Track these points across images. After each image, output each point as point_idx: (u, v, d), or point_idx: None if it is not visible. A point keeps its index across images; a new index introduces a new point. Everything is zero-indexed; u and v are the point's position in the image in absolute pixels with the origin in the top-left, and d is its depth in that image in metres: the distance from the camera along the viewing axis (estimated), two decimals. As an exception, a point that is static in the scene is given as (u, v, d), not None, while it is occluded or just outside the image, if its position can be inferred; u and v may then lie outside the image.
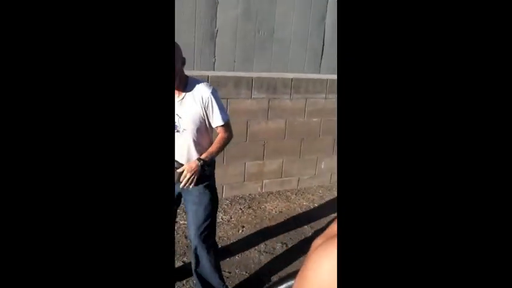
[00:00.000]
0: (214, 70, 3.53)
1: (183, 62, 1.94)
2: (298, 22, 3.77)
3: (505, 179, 0.48)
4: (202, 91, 1.95)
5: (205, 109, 1.97)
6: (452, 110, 0.49)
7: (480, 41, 0.49)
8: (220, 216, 3.44)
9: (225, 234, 3.17)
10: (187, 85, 1.97)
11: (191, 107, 1.96)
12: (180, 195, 2.18)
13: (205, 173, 2.04)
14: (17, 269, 0.60)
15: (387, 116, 0.51)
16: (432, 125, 0.50)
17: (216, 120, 2.01)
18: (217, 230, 3.23)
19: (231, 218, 3.44)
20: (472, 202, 0.48)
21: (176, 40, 1.85)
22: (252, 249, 2.96)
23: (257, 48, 3.65)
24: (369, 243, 0.49)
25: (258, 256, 2.88)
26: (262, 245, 3.03)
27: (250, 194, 3.92)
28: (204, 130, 2.03)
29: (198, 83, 1.98)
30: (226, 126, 2.06)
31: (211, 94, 1.97)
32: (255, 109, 3.65)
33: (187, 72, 2.01)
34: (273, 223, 3.39)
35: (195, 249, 2.18)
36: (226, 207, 3.63)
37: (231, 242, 3.07)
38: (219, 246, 3.01)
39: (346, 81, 0.52)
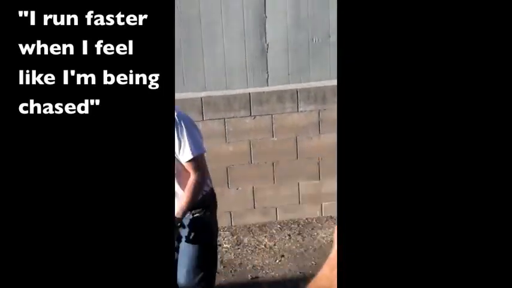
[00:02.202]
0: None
1: None
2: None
3: (504, 179, 0.48)
4: None
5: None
6: (452, 110, 0.49)
7: (480, 41, 0.48)
8: (264, 242, 3.15)
9: (260, 263, 2.87)
10: None
11: None
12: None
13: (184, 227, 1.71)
14: (17, 269, 0.62)
15: (388, 117, 0.50)
16: (433, 126, 0.49)
17: (185, 154, 1.59)
18: (255, 257, 2.95)
19: (274, 245, 3.13)
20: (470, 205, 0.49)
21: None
22: (286, 283, 2.63)
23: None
24: (368, 246, 0.50)
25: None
26: (295, 280, 2.67)
27: (307, 219, 3.54)
28: (181, 169, 1.64)
29: None
30: (195, 162, 1.62)
31: (178, 118, 1.57)
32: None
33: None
34: (318, 254, 2.99)
35: None
36: (274, 232, 3.32)
37: (265, 272, 2.76)
38: (249, 277, 2.73)
39: (346, 83, 0.52)
